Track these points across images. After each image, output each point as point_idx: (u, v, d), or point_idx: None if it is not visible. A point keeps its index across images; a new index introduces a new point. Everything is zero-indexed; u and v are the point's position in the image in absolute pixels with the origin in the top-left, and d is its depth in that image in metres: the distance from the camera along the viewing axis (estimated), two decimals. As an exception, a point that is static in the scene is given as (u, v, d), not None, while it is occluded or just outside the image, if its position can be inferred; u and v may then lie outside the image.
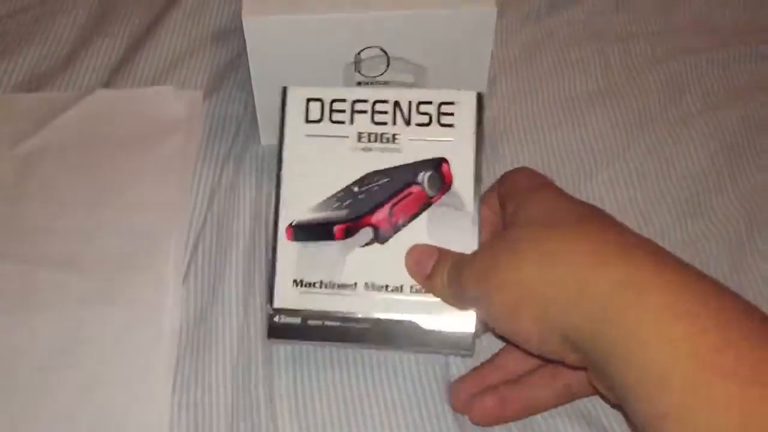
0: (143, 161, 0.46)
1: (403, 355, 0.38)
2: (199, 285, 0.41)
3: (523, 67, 0.52)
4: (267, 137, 0.47)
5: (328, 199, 0.36)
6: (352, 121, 0.37)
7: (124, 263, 0.41)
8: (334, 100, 0.38)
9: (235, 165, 0.46)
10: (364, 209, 0.35)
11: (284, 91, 0.38)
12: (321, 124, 0.37)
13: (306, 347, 0.38)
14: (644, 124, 0.48)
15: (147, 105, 0.49)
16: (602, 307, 0.26)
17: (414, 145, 0.37)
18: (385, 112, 0.37)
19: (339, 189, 0.36)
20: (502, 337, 0.35)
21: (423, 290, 0.35)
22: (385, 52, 0.43)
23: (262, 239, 0.42)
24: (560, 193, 0.33)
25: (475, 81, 0.45)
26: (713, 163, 0.46)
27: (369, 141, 0.37)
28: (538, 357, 0.32)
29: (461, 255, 0.34)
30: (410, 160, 0.37)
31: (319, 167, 0.37)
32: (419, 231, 0.36)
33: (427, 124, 0.37)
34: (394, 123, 0.37)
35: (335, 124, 0.37)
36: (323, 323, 0.35)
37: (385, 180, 0.36)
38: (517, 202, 0.33)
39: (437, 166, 0.36)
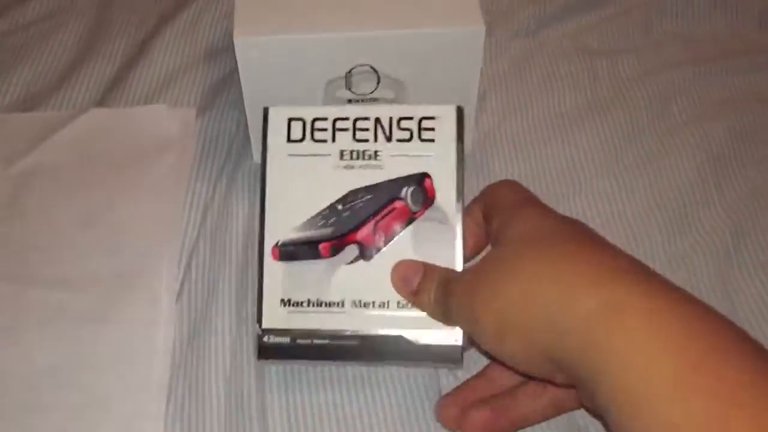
0: (137, 179, 0.46)
1: (394, 369, 0.38)
2: (193, 302, 0.41)
3: (512, 82, 0.52)
4: (259, 154, 0.47)
5: (313, 217, 0.36)
6: (333, 139, 0.37)
7: (118, 281, 0.41)
8: (315, 119, 0.38)
9: (228, 182, 0.46)
10: (349, 227, 0.36)
11: (266, 111, 0.38)
12: (303, 143, 0.37)
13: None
14: (632, 137, 0.49)
15: (140, 123, 0.49)
16: (587, 329, 0.27)
17: (396, 161, 0.37)
18: (367, 129, 0.37)
19: (323, 207, 0.37)
20: (487, 354, 0.36)
21: (410, 305, 0.35)
22: (375, 70, 0.44)
23: (255, 256, 0.43)
24: (545, 209, 0.33)
25: (465, 98, 0.46)
26: (700, 175, 0.47)
27: (351, 158, 0.37)
28: (526, 376, 0.33)
29: (447, 271, 0.34)
30: (393, 176, 0.37)
31: (303, 186, 0.37)
32: (404, 246, 0.36)
33: (409, 140, 0.37)
34: (376, 140, 0.37)
35: (317, 143, 0.37)
36: (312, 342, 0.36)
37: (369, 197, 0.36)
38: (502, 218, 0.33)
39: (420, 181, 0.36)
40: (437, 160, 0.37)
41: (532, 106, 0.51)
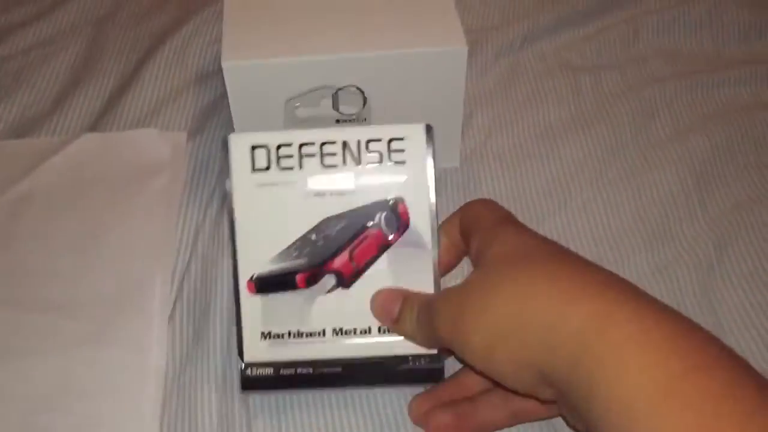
0: (129, 203, 0.47)
1: (377, 391, 0.39)
2: (185, 325, 0.41)
3: (498, 99, 0.53)
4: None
5: (287, 249, 0.36)
6: (301, 166, 0.36)
7: (111, 305, 0.42)
8: (280, 146, 0.36)
9: (219, 205, 0.47)
10: (324, 256, 0.35)
11: (226, 140, 0.36)
12: (269, 172, 0.36)
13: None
14: (616, 151, 0.50)
15: (132, 147, 0.50)
16: (577, 343, 0.27)
17: (367, 185, 0.36)
18: (334, 154, 0.36)
19: (296, 238, 0.36)
20: (463, 360, 0.36)
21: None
22: (362, 91, 0.45)
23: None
24: (522, 228, 0.33)
25: (450, 116, 0.46)
26: (683, 189, 0.47)
27: (321, 186, 0.36)
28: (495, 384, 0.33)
29: (427, 296, 0.35)
30: (366, 202, 0.36)
31: (273, 218, 0.36)
32: (382, 272, 0.35)
33: (379, 162, 0.36)
34: (345, 163, 0.36)
35: (284, 171, 0.36)
36: (296, 371, 0.36)
37: (342, 225, 0.35)
38: (481, 238, 0.33)
39: (393, 207, 0.36)
40: (410, 182, 0.36)
41: (518, 122, 0.52)
